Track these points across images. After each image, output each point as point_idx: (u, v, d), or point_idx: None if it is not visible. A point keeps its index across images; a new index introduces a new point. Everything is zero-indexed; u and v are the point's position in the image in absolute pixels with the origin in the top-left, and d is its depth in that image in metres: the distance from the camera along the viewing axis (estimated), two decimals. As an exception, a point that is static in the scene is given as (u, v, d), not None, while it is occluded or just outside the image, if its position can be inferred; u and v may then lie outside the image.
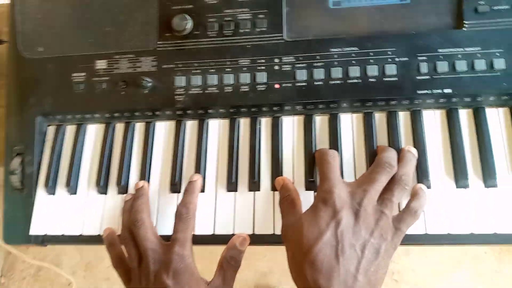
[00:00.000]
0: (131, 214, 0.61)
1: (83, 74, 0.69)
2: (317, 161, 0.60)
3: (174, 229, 0.59)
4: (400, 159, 0.58)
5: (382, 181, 0.55)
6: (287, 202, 0.58)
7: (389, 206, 0.54)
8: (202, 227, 0.62)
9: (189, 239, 0.58)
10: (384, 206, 0.54)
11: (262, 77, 0.64)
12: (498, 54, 0.60)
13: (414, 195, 0.57)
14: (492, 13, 0.61)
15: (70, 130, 0.71)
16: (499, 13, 0.61)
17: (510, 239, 0.56)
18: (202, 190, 0.64)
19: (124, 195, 0.66)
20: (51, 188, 0.67)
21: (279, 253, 1.04)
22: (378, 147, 0.61)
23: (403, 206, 0.57)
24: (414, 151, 0.59)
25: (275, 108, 0.65)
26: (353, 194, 0.54)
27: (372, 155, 0.61)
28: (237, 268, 0.59)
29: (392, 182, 0.56)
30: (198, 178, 0.63)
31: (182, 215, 0.59)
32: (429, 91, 0.60)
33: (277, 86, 0.64)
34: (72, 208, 0.67)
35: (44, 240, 0.67)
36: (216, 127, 0.67)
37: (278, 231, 0.60)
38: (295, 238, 0.54)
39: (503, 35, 0.60)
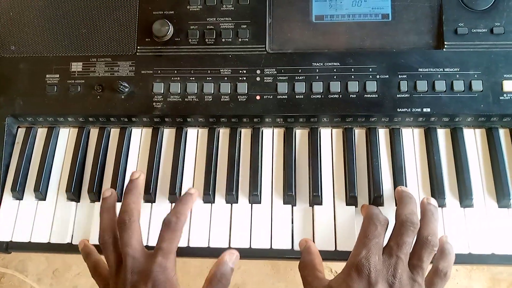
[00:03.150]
0: (120, 213, 0.56)
1: (57, 76, 0.67)
2: (364, 219, 0.55)
3: (160, 237, 0.54)
4: (422, 214, 0.55)
5: (409, 242, 0.52)
6: (310, 267, 0.54)
7: (421, 274, 0.51)
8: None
9: (174, 251, 0.54)
10: (417, 274, 0.51)
11: (243, 87, 0.63)
12: (476, 76, 0.61)
13: (441, 252, 0.54)
14: (471, 36, 0.63)
15: (41, 133, 0.68)
16: (477, 36, 0.62)
17: (484, 259, 0.57)
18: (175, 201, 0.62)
19: (97, 203, 0.63)
20: (18, 192, 0.65)
21: (253, 265, 1.04)
22: (397, 194, 0.58)
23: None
24: (434, 202, 0.57)
25: (255, 120, 0.64)
26: (388, 264, 0.51)
27: (351, 171, 0.61)
28: (226, 287, 0.54)
29: (419, 245, 0.52)
30: (195, 192, 0.61)
31: (171, 224, 0.55)
32: (408, 109, 0.61)
33: (258, 97, 0.63)
34: (40, 215, 0.64)
35: (9, 247, 0.64)
36: (195, 136, 0.66)
37: (254, 245, 0.59)
38: None
39: (481, 57, 0.62)
